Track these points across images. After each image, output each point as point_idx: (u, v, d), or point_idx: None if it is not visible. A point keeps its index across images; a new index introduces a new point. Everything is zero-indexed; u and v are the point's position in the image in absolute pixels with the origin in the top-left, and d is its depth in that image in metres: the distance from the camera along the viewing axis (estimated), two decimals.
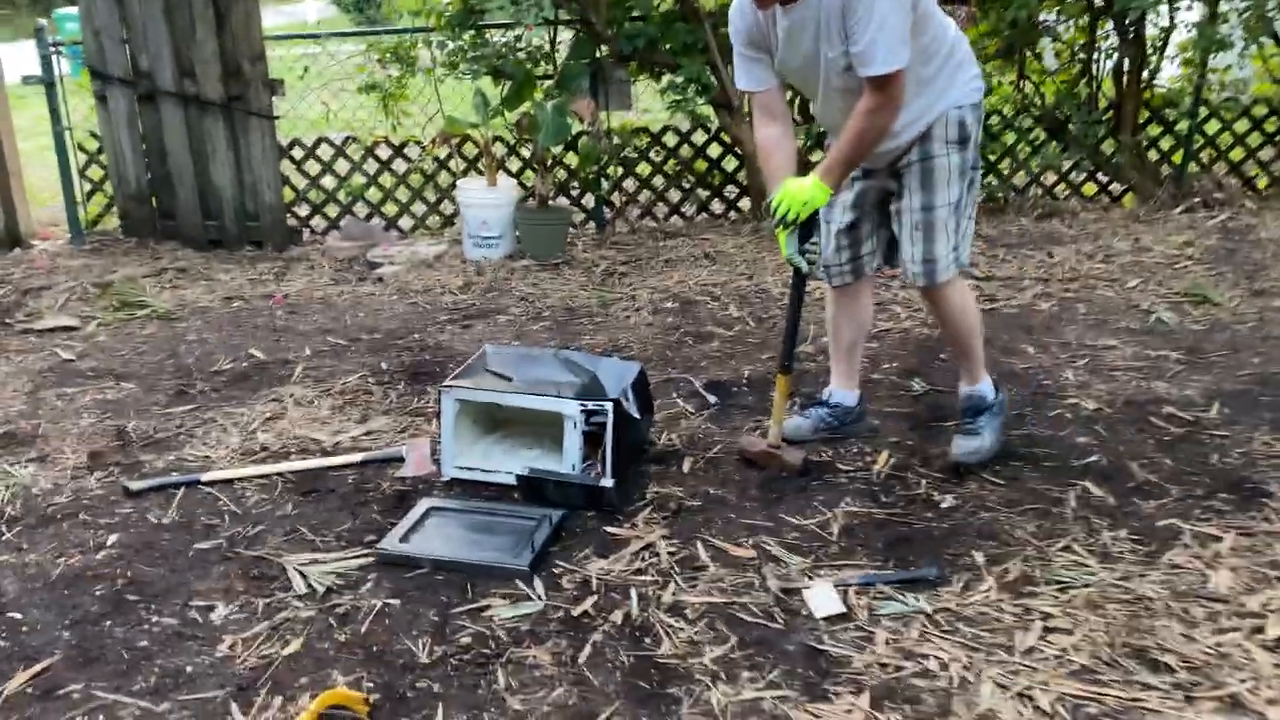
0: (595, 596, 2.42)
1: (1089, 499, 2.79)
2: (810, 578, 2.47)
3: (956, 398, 3.06)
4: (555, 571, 2.53)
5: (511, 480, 2.92)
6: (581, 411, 2.84)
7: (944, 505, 2.78)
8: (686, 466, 3.07)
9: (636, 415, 2.89)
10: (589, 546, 2.65)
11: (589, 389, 2.96)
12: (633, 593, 2.43)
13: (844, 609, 2.33)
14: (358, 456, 3.16)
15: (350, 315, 4.67)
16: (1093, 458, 3.02)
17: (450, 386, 2.93)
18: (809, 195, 2.65)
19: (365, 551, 2.64)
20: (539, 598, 2.42)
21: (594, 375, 3.05)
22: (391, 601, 2.43)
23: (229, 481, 3.04)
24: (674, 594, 2.42)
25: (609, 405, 2.82)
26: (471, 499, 2.91)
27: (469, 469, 2.98)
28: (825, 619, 2.31)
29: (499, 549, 2.60)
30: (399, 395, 3.69)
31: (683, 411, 3.45)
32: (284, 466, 3.12)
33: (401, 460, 3.15)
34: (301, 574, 2.54)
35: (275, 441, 3.32)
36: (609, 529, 2.72)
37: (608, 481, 2.79)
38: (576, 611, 2.37)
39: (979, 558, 2.52)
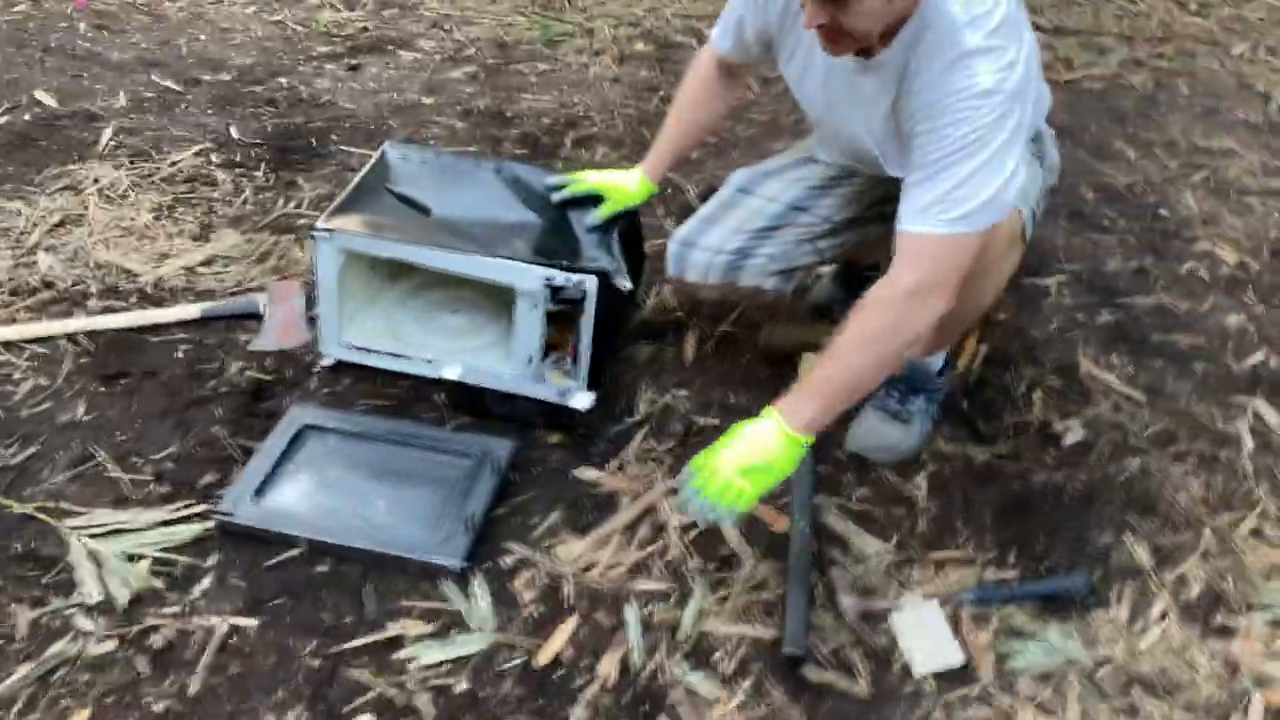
0: (573, 620, 1.57)
1: (1267, 435, 1.98)
2: (900, 587, 1.65)
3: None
4: (504, 564, 1.65)
5: (426, 370, 1.95)
6: (546, 286, 1.83)
7: (1068, 441, 1.95)
8: (690, 348, 2.13)
9: (629, 288, 1.89)
10: (555, 509, 1.75)
11: (552, 242, 1.93)
12: (629, 614, 1.58)
13: (962, 659, 1.53)
14: (193, 309, 2.11)
15: (187, 38, 3.36)
16: (1256, 356, 2.19)
17: (327, 230, 1.85)
18: (766, 463, 1.50)
19: (200, 510, 1.69)
20: (482, 623, 1.55)
21: (559, 214, 2.00)
22: (243, 624, 1.53)
23: None
24: (695, 617, 1.58)
25: (590, 279, 1.82)
26: (366, 407, 1.94)
27: (361, 349, 1.98)
28: (934, 676, 1.51)
29: (414, 518, 1.68)
30: (256, 190, 2.57)
31: None
32: (76, 324, 2.06)
33: (259, 318, 2.11)
34: (94, 560, 1.59)
35: (64, 270, 2.23)
36: (584, 473, 1.82)
37: (583, 398, 1.84)
38: (544, 658, 1.51)
39: (1140, 552, 1.73)
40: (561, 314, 1.90)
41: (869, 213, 1.93)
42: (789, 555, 1.65)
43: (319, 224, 1.84)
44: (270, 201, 2.52)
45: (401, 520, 1.67)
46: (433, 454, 1.80)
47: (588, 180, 2.03)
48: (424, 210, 1.97)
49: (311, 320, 2.08)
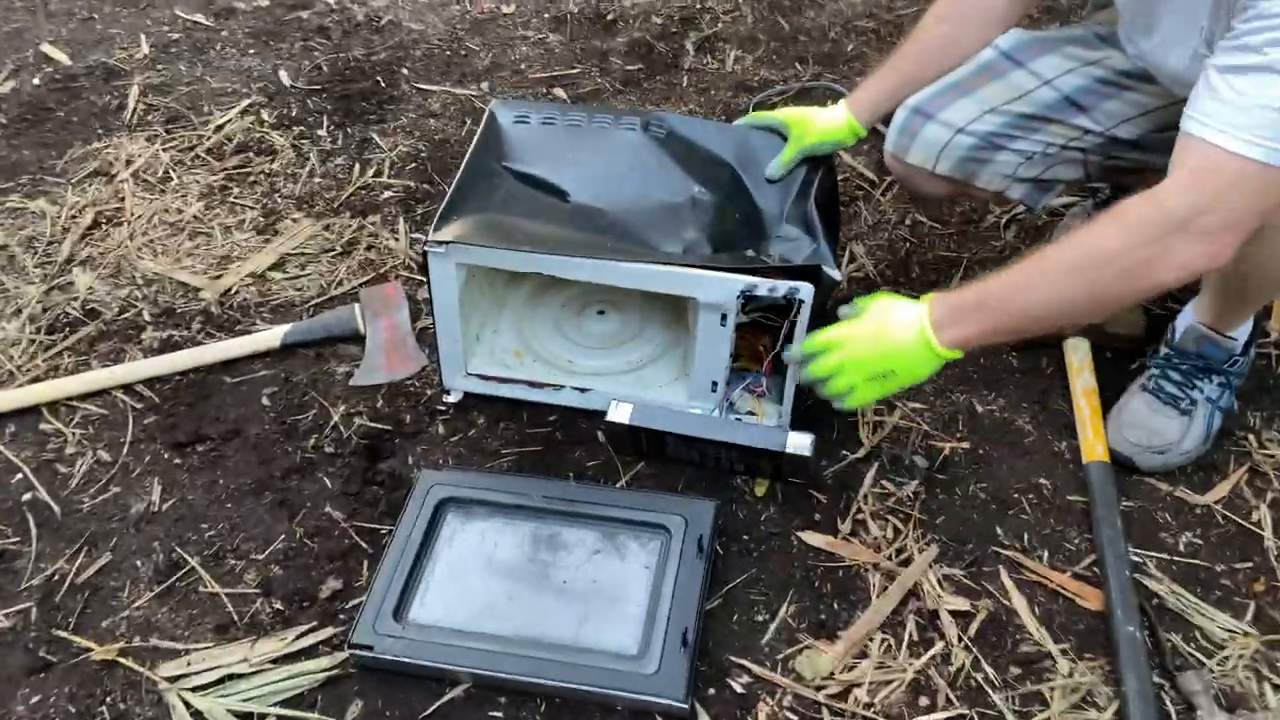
0: None
1: None
2: (1276, 691, 1.22)
3: (1170, 331, 1.53)
4: (735, 688, 1.25)
5: (578, 400, 1.53)
6: (742, 296, 1.37)
7: None
8: None
9: (839, 279, 1.41)
10: (784, 597, 1.34)
11: (729, 223, 1.46)
12: None
13: None
14: (273, 335, 1.69)
15: None
16: None
17: (442, 244, 1.39)
18: (905, 361, 1.22)
19: (326, 636, 1.31)
20: None
21: (731, 178, 1.52)
22: None
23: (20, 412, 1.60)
24: None
25: (804, 286, 1.35)
26: (511, 456, 1.52)
27: (493, 379, 1.56)
28: None
29: (607, 630, 1.29)
30: (323, 155, 2.11)
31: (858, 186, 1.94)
32: (134, 371, 1.66)
33: (357, 339, 1.69)
34: None
35: (108, 290, 1.81)
36: (809, 538, 1.40)
37: (803, 441, 1.39)
38: None
39: None
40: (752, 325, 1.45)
41: (1168, 135, 1.36)
42: (1117, 651, 1.23)
43: (431, 235, 1.38)
44: (343, 169, 2.06)
45: (592, 634, 1.28)
46: (613, 528, 1.39)
47: (774, 114, 1.55)
48: (559, 194, 1.50)
49: (425, 347, 1.66)
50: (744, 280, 1.35)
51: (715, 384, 1.49)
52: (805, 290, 1.34)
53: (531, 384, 1.55)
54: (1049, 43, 1.52)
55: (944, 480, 1.46)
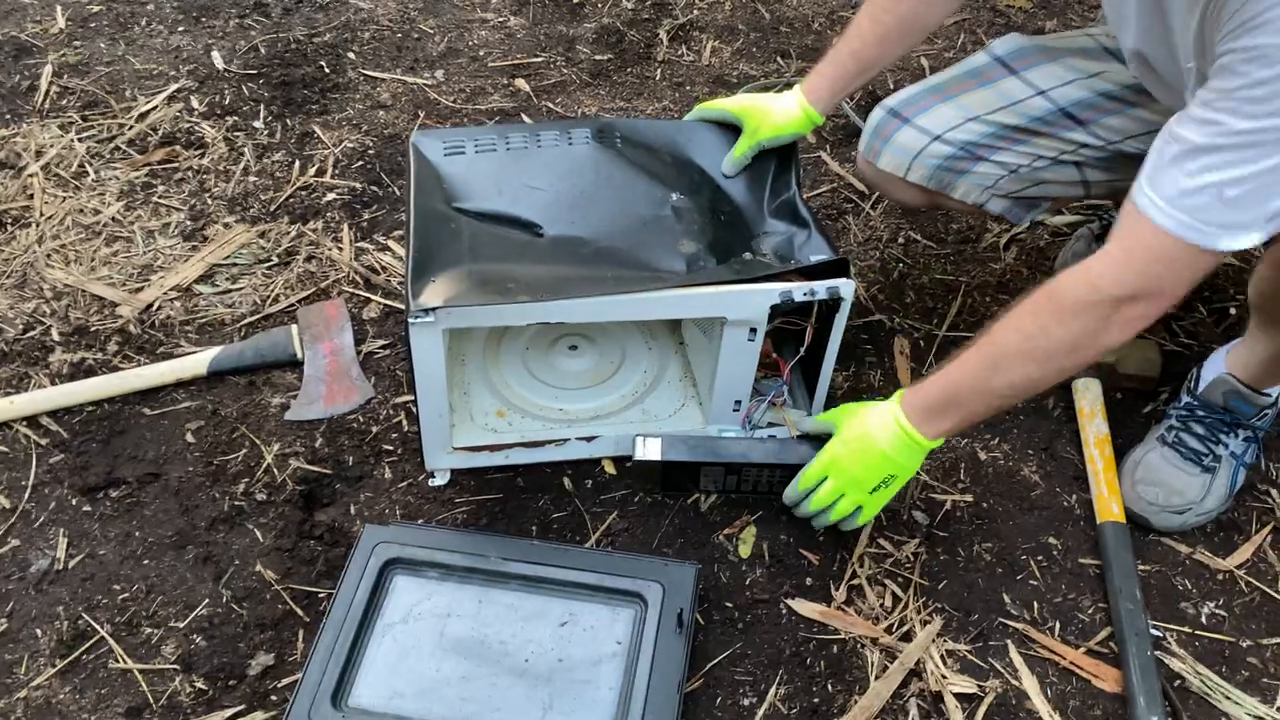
0: None
1: None
2: None
3: (1192, 379, 1.43)
4: None
5: (586, 451, 1.41)
6: (778, 302, 1.24)
7: None
8: (903, 356, 1.54)
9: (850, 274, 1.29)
10: (773, 676, 1.21)
11: (718, 228, 1.35)
12: None
13: None
14: (199, 361, 1.53)
15: None
16: None
17: (427, 311, 1.19)
18: (900, 464, 1.21)
19: None
20: None
21: (700, 179, 1.40)
22: None
23: None
24: None
25: (846, 284, 1.25)
26: (467, 507, 1.38)
27: (482, 448, 1.39)
28: None
29: (568, 708, 1.15)
30: (259, 150, 1.92)
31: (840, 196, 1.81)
32: (38, 400, 1.48)
33: (294, 365, 1.53)
34: None
35: (12, 305, 1.63)
36: (800, 606, 1.27)
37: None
38: None
39: None
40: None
41: None
42: None
43: (414, 303, 1.19)
44: (281, 167, 1.88)
45: None
46: (582, 596, 1.25)
47: (724, 105, 1.43)
48: (529, 228, 1.34)
49: (362, 378, 1.50)
50: (779, 289, 1.23)
51: (738, 403, 1.37)
52: (846, 287, 1.24)
53: (529, 445, 1.40)
54: (1049, 51, 1.39)
55: (945, 538, 1.34)
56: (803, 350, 1.35)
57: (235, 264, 1.69)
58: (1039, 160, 1.39)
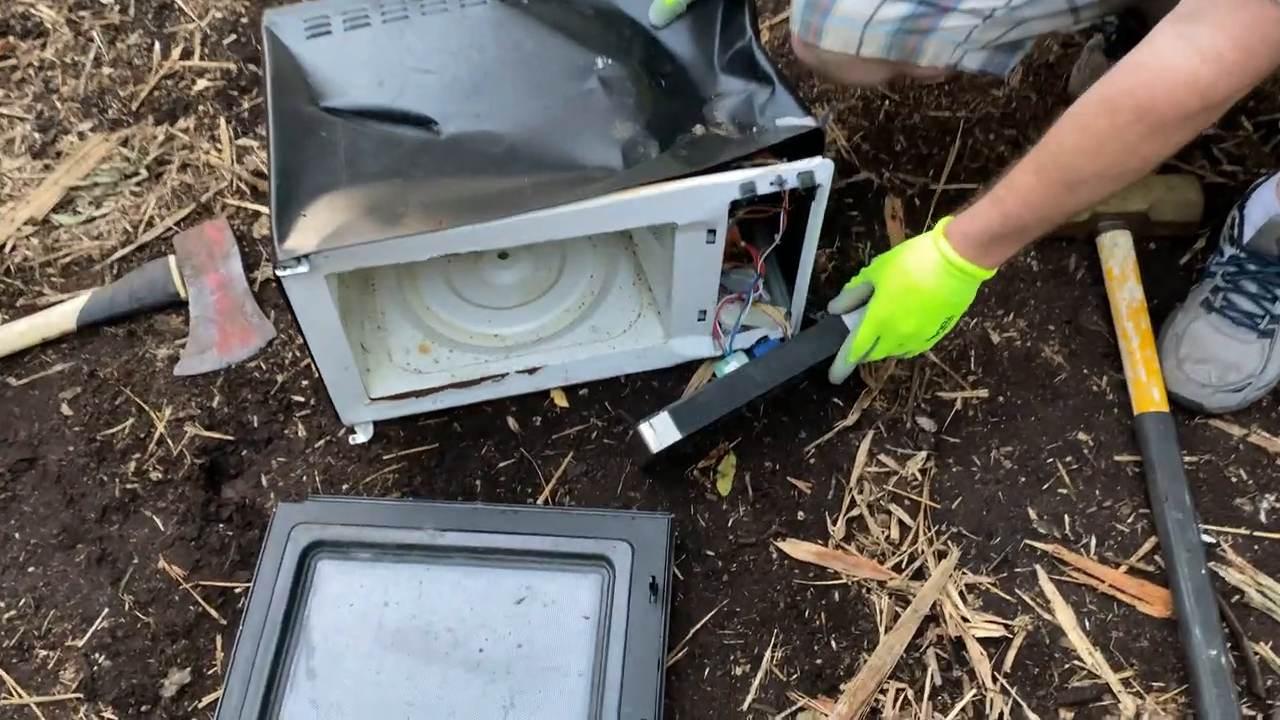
0: None
1: None
2: None
3: (1234, 223, 1.21)
4: None
5: (522, 385, 1.20)
6: (739, 197, 1.01)
7: None
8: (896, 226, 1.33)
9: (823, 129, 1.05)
10: (766, 633, 1.06)
11: (660, 97, 1.10)
12: None
13: None
14: (66, 312, 1.30)
15: None
16: None
17: (300, 256, 0.94)
18: (956, 302, 1.05)
19: None
20: None
21: (643, 36, 1.15)
22: None
23: None
24: None
25: (823, 165, 1.01)
26: (398, 469, 1.19)
27: (408, 395, 1.18)
28: None
29: (533, 701, 1.01)
30: (110, 31, 1.62)
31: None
32: None
33: (178, 306, 1.31)
34: None
35: None
36: (792, 548, 1.11)
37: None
38: None
39: None
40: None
41: None
42: (1198, 688, 0.98)
43: (280, 247, 0.95)
44: (139, 51, 1.59)
45: None
46: (539, 564, 1.09)
47: None
48: (422, 124, 1.08)
49: (267, 302, 1.28)
50: (738, 180, 1.00)
51: (703, 312, 1.16)
52: (822, 169, 1.00)
53: (462, 385, 1.19)
54: None
55: (957, 445, 1.16)
56: (778, 239, 1.13)
57: (97, 183, 1.44)
58: None
